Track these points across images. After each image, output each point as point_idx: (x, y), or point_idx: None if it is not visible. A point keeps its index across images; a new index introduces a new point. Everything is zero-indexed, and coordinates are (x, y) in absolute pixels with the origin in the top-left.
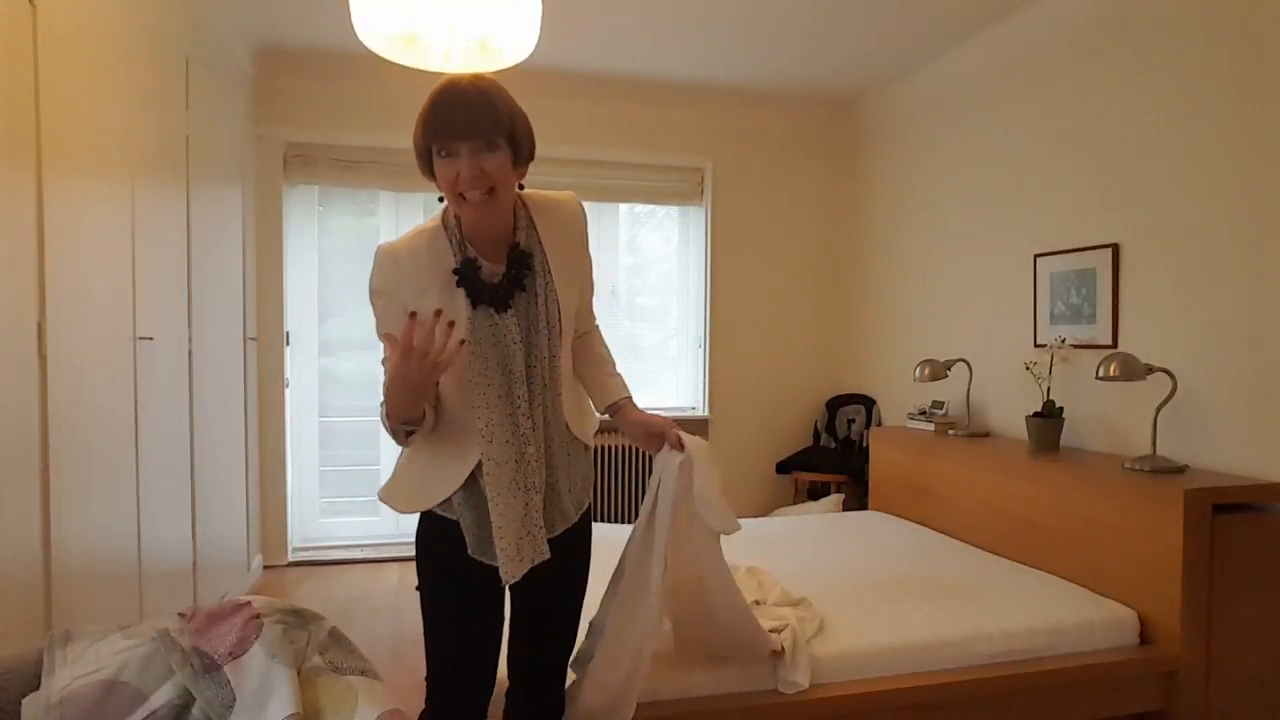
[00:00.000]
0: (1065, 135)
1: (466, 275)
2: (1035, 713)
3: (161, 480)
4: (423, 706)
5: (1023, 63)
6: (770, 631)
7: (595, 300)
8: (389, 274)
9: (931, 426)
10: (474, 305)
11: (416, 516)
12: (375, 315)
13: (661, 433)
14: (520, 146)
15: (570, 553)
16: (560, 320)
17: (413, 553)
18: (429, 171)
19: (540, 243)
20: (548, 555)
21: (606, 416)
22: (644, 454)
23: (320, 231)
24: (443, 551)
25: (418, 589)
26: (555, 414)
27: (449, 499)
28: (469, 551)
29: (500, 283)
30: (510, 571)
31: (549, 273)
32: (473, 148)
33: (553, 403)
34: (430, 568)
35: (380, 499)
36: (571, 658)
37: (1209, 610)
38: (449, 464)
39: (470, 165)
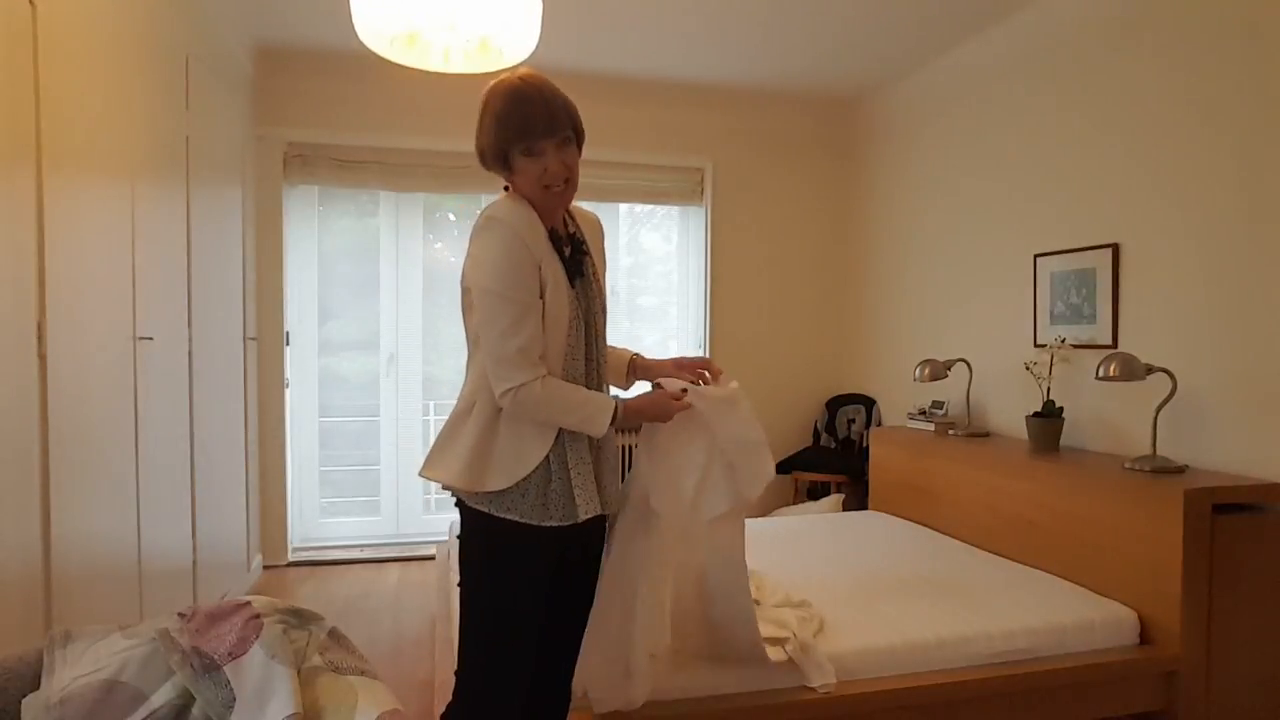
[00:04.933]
0: (1065, 135)
1: (558, 248)
2: (1035, 713)
3: (161, 480)
4: (452, 708)
5: (1023, 63)
6: (773, 640)
7: None
8: (526, 228)
9: (931, 426)
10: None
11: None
12: (509, 262)
13: (693, 367)
14: (582, 138)
15: (601, 539)
16: (605, 304)
17: (412, 554)
18: (500, 168)
19: (584, 237)
20: (602, 510)
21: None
22: None
23: (320, 231)
24: (540, 556)
25: (476, 602)
26: (604, 387)
27: (528, 475)
28: (554, 520)
29: (571, 259)
30: (600, 504)
31: (592, 264)
32: (556, 144)
33: (602, 376)
34: (523, 576)
35: (458, 487)
36: None
37: (1209, 610)
38: (538, 429)
39: (556, 160)
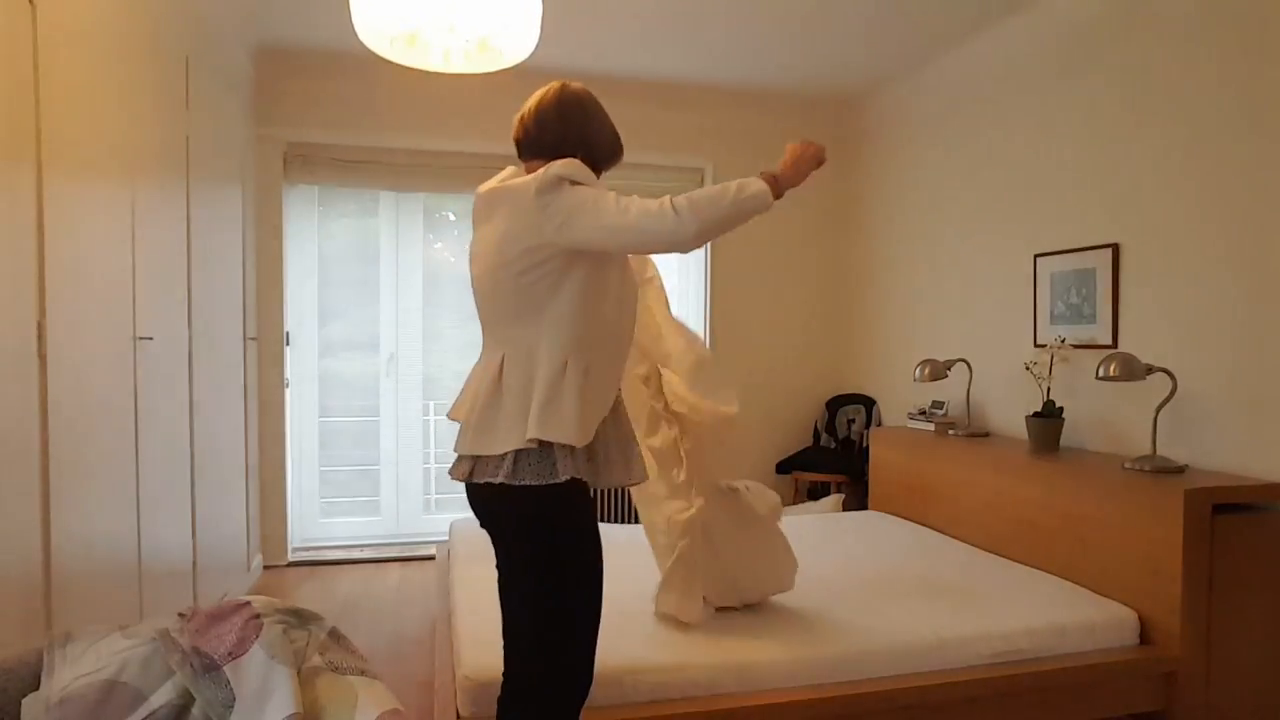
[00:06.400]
0: (1065, 135)
1: None
2: (1035, 713)
3: (161, 480)
4: (516, 702)
5: (1023, 63)
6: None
7: None
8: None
9: (931, 426)
10: None
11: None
12: (586, 185)
13: None
14: None
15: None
16: None
17: (412, 554)
18: (609, 161)
19: None
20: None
21: None
22: None
23: (320, 232)
24: (590, 517)
25: (546, 575)
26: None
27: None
28: (611, 481)
29: None
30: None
31: None
32: None
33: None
34: (587, 537)
35: (541, 438)
36: None
37: (1209, 610)
38: (604, 391)
39: None
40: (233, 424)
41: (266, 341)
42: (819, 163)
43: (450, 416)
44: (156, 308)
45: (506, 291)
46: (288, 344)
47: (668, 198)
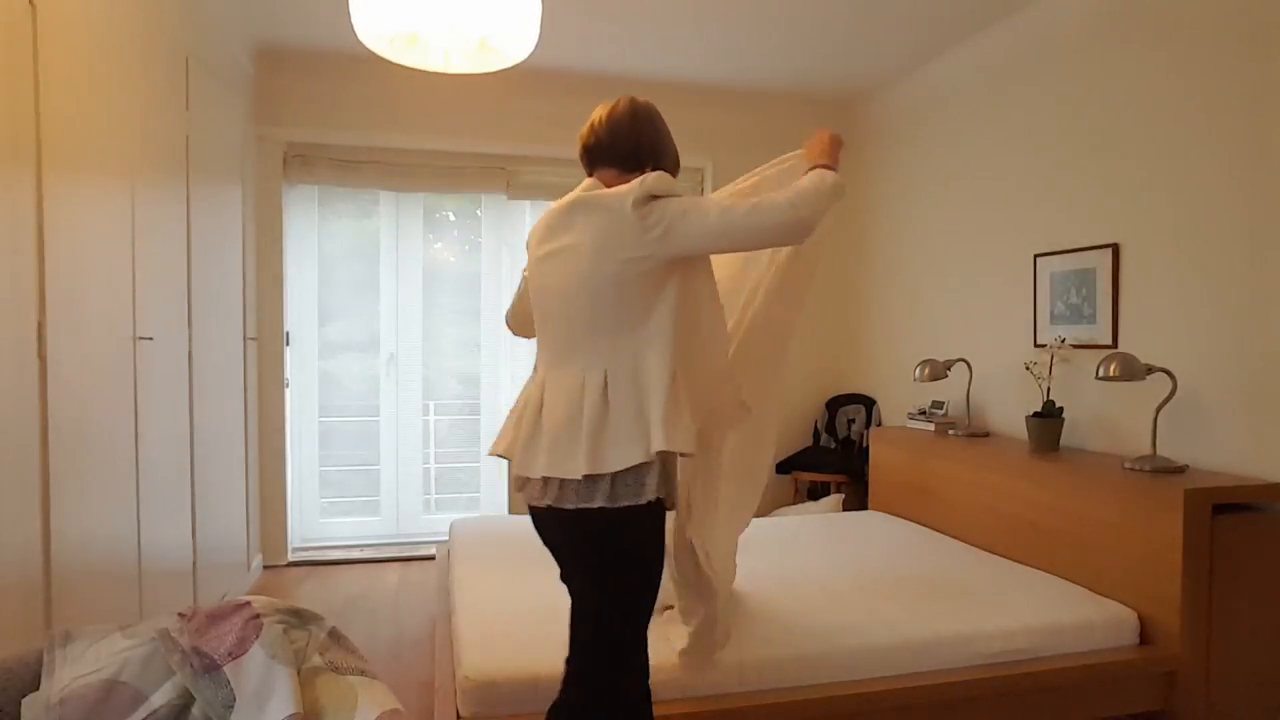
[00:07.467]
0: (1065, 135)
1: None
2: (1035, 713)
3: (161, 480)
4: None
5: (1023, 63)
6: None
7: None
8: None
9: (931, 426)
10: None
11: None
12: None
13: None
14: None
15: None
16: None
17: (412, 554)
18: (638, 171)
19: None
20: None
21: None
22: None
23: (320, 232)
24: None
25: (614, 588)
26: None
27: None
28: (667, 504)
29: None
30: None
31: None
32: None
33: None
34: (657, 554)
35: (670, 449)
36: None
37: (1209, 610)
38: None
39: None
40: (232, 424)
41: (266, 341)
42: (840, 145)
43: (494, 453)
44: (156, 308)
45: (607, 303)
46: (288, 344)
47: (759, 198)
